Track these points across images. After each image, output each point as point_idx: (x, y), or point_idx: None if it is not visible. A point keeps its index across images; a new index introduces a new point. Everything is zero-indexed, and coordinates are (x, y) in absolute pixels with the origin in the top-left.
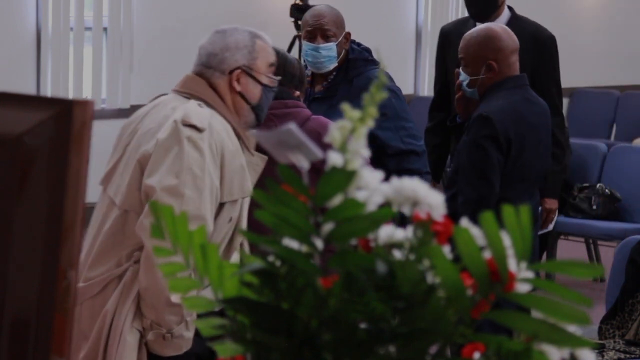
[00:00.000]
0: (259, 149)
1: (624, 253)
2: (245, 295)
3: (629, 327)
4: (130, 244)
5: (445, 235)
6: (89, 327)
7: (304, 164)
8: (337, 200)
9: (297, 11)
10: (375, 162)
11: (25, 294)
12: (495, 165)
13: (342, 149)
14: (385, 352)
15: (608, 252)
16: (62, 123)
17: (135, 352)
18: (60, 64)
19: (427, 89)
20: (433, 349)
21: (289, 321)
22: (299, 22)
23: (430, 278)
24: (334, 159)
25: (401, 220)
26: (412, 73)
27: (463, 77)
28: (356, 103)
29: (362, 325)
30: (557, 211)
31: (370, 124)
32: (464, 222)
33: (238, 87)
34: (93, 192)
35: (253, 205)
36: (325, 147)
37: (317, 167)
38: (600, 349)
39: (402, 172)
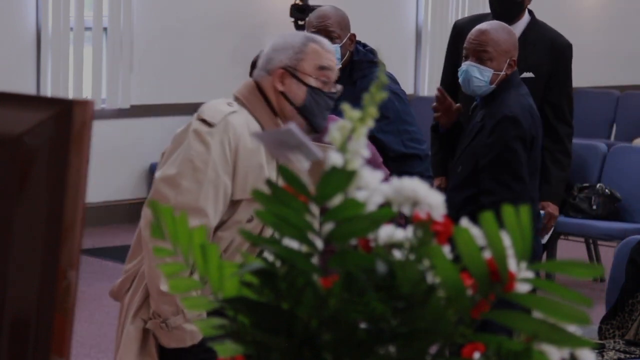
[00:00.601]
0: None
1: (624, 253)
2: (245, 295)
3: (629, 327)
4: None
5: (445, 235)
6: None
7: (304, 164)
8: (337, 200)
9: (297, 11)
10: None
11: (25, 294)
12: (525, 164)
13: (342, 149)
14: (385, 352)
15: (608, 252)
16: (62, 123)
17: (136, 341)
18: (60, 64)
19: (427, 89)
20: (433, 349)
21: (289, 321)
22: (299, 22)
23: (430, 278)
24: (334, 159)
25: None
26: (412, 73)
27: (479, 72)
28: (359, 105)
29: (362, 325)
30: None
31: (370, 124)
32: (464, 222)
33: (281, 87)
34: (93, 192)
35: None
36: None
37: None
38: (600, 349)
39: (403, 175)
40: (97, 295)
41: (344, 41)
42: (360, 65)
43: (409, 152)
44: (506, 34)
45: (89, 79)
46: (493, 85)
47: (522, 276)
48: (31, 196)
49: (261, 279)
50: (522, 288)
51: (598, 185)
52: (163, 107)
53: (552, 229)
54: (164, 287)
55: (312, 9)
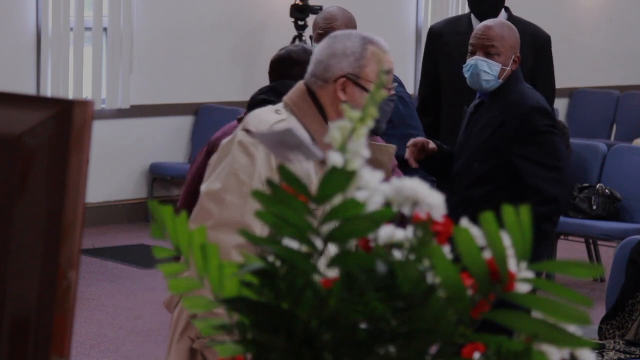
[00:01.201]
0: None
1: (624, 253)
2: (245, 295)
3: (629, 327)
4: None
5: (445, 235)
6: None
7: (304, 164)
8: (337, 200)
9: (297, 11)
10: None
11: (25, 294)
12: (563, 151)
13: (342, 149)
14: (385, 352)
15: (608, 252)
16: (62, 123)
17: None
18: (60, 64)
19: None
20: (433, 349)
21: (289, 321)
22: (299, 22)
23: (430, 278)
24: (334, 159)
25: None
26: (412, 73)
27: (487, 67)
28: None
29: (362, 325)
30: None
31: (370, 124)
32: (464, 222)
33: (343, 97)
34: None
35: None
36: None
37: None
38: (600, 349)
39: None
40: (97, 295)
41: None
42: None
43: None
44: (510, 30)
45: (88, 79)
46: (500, 80)
47: (522, 276)
48: (31, 196)
49: (261, 279)
50: (522, 288)
51: (598, 185)
52: (163, 107)
53: None
54: None
55: (312, 8)
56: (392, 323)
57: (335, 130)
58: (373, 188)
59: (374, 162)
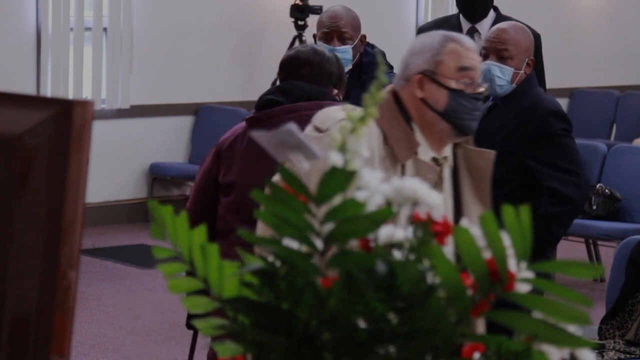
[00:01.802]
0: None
1: (624, 253)
2: (245, 295)
3: (629, 327)
4: None
5: (445, 235)
6: None
7: (304, 164)
8: (337, 200)
9: (297, 11)
10: None
11: (25, 294)
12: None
13: (342, 149)
14: (385, 352)
15: (608, 252)
16: (62, 123)
17: None
18: (60, 64)
19: None
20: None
21: (289, 321)
22: (299, 22)
23: (430, 278)
24: (334, 159)
25: None
26: None
27: (500, 71)
28: None
29: (362, 325)
30: None
31: (370, 124)
32: (465, 222)
33: (420, 94)
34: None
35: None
36: None
37: None
38: (600, 349)
39: None
40: (97, 295)
41: (356, 42)
42: (369, 67)
43: None
44: (524, 33)
45: (88, 79)
46: (513, 85)
47: (522, 276)
48: (31, 196)
49: (261, 279)
50: (522, 288)
51: (598, 185)
52: (163, 107)
53: None
54: None
55: (312, 8)
56: (392, 323)
57: (336, 130)
58: (373, 188)
59: (472, 168)
